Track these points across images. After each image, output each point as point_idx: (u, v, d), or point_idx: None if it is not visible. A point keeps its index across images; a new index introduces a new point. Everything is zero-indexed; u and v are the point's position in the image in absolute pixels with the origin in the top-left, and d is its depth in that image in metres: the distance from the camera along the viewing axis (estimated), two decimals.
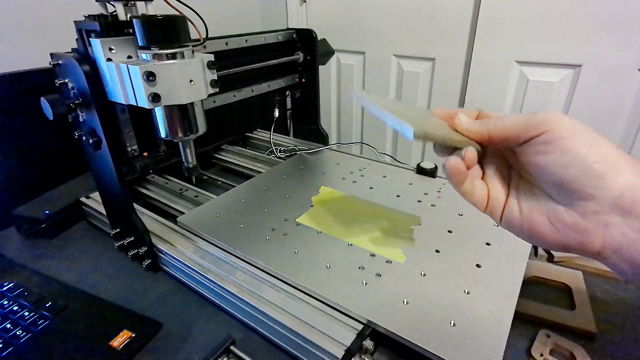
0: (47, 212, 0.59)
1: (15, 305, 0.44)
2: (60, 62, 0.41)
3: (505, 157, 0.29)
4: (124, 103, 0.39)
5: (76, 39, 0.41)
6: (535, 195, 0.26)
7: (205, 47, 0.53)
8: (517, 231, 0.27)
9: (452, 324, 0.35)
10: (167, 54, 0.37)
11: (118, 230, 0.51)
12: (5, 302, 0.45)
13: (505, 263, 0.42)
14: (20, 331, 0.41)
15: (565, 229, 0.24)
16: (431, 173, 0.63)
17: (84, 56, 0.40)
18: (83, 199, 0.61)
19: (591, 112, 0.90)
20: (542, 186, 0.25)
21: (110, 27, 0.39)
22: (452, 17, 1.00)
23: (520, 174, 0.28)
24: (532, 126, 0.24)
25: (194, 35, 0.41)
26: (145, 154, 0.54)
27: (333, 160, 0.72)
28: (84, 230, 0.61)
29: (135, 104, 0.38)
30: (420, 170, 0.64)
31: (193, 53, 0.39)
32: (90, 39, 0.39)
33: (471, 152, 0.27)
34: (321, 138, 0.83)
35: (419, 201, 0.56)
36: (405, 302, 0.38)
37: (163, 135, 0.42)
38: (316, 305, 0.39)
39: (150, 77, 0.36)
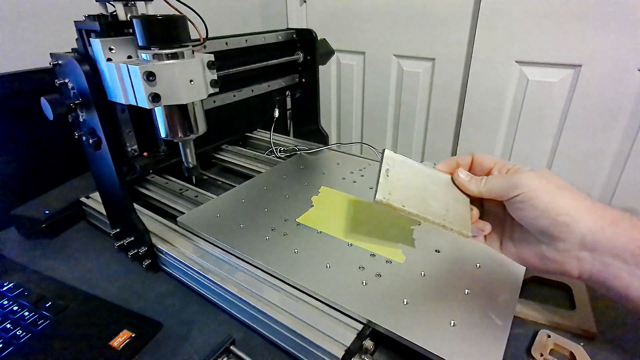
0: (47, 212, 0.59)
1: (15, 305, 0.44)
2: (60, 62, 0.41)
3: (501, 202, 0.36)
4: (124, 103, 0.39)
5: (76, 39, 0.41)
6: (524, 233, 0.34)
7: (205, 47, 0.53)
8: (513, 259, 0.36)
9: (452, 324, 0.35)
10: (167, 54, 0.37)
11: (118, 230, 0.51)
12: (5, 302, 0.45)
13: (506, 263, 0.42)
14: (20, 331, 0.41)
15: (548, 262, 0.32)
16: None
17: (84, 56, 0.40)
18: (83, 199, 0.61)
19: (591, 112, 0.90)
20: (528, 229, 0.33)
21: (110, 27, 0.39)
22: (452, 17, 1.00)
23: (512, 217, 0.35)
24: (510, 189, 0.32)
25: (194, 35, 0.41)
26: (145, 154, 0.54)
27: (333, 160, 0.72)
28: (84, 230, 0.61)
29: (135, 104, 0.38)
30: None
31: (193, 53, 0.39)
32: (90, 39, 0.39)
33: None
34: (321, 138, 0.83)
35: None
36: (405, 302, 0.38)
37: (163, 135, 0.42)
38: (316, 305, 0.39)
39: (150, 77, 0.35)
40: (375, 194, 0.34)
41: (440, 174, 0.37)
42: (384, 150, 0.37)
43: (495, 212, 0.37)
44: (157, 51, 0.37)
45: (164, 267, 0.50)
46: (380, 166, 0.35)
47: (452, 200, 0.36)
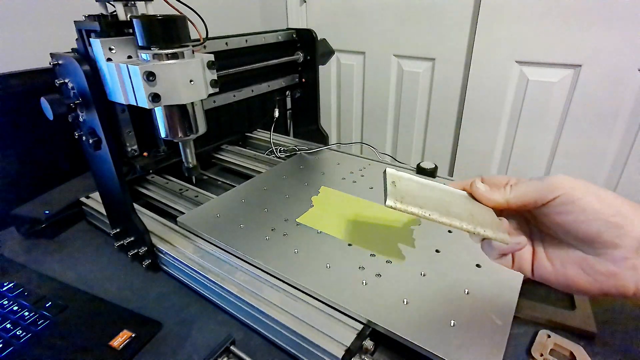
0: (47, 212, 0.59)
1: (15, 305, 0.44)
2: (60, 62, 0.41)
3: (522, 215, 0.31)
4: (124, 103, 0.39)
5: (76, 39, 0.41)
6: (563, 248, 0.28)
7: (205, 47, 0.53)
8: (553, 283, 0.29)
9: (452, 324, 0.35)
10: (167, 54, 0.37)
11: (118, 230, 0.51)
12: (5, 302, 0.45)
13: None
14: (20, 331, 0.41)
15: (600, 277, 0.26)
16: (431, 173, 0.63)
17: (84, 56, 0.40)
18: (83, 199, 0.61)
19: (591, 112, 0.89)
20: (567, 240, 0.27)
21: (110, 27, 0.39)
22: (452, 17, 1.00)
23: (542, 230, 0.29)
24: (546, 191, 0.27)
25: (194, 35, 0.41)
26: (145, 154, 0.54)
27: (333, 160, 0.72)
28: (84, 230, 0.61)
29: (135, 104, 0.38)
30: (420, 170, 0.64)
31: (193, 53, 0.39)
32: (90, 39, 0.39)
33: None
34: (321, 138, 0.83)
35: None
36: (405, 302, 0.38)
37: (163, 135, 0.42)
38: (316, 305, 0.39)
39: (150, 77, 0.36)
40: (385, 200, 0.29)
41: (453, 189, 0.32)
42: (385, 170, 0.32)
43: (514, 226, 0.31)
44: (157, 51, 0.37)
45: (164, 267, 0.50)
46: (385, 183, 0.31)
47: (475, 209, 0.30)
